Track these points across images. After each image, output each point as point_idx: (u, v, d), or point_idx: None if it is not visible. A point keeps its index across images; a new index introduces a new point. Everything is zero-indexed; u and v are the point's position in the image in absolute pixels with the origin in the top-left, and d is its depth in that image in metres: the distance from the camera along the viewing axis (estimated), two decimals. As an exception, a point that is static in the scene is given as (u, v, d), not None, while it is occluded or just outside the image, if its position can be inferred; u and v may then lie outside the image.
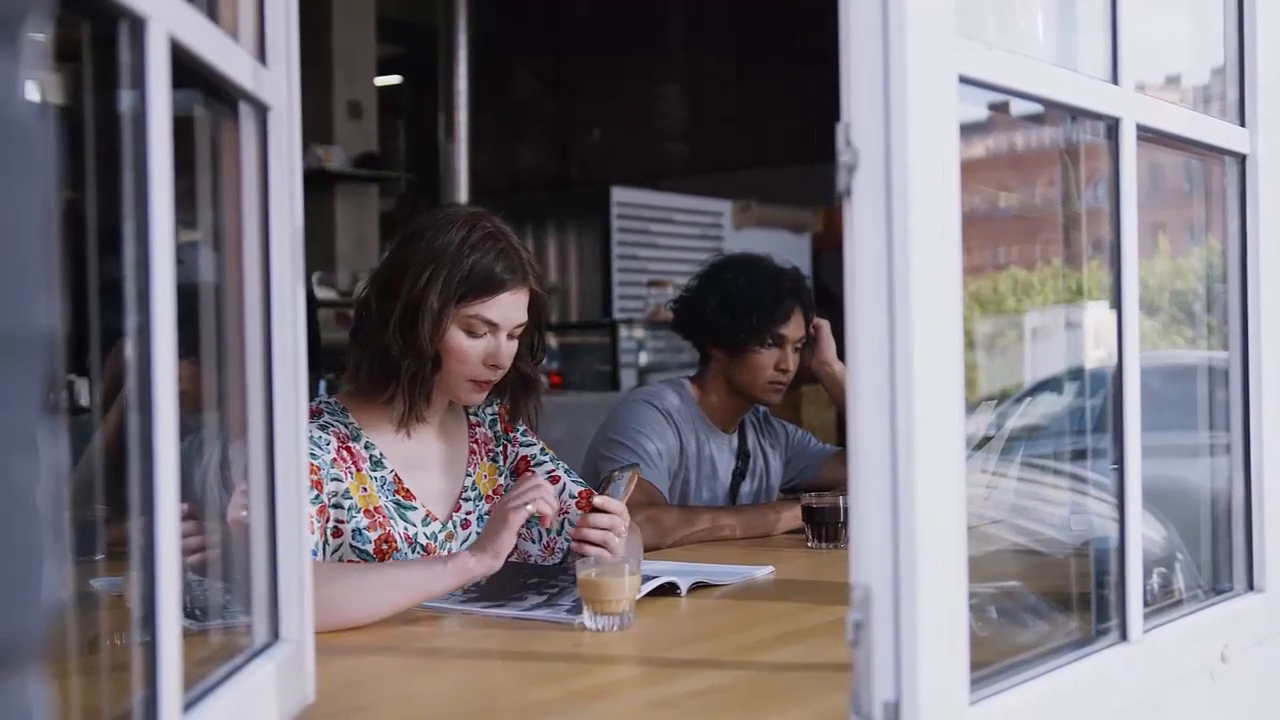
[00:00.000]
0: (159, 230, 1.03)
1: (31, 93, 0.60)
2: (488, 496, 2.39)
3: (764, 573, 2.38)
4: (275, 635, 1.40)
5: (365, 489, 2.21)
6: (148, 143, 1.03)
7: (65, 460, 0.65)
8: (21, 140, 0.59)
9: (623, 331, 7.60)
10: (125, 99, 1.04)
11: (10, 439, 0.58)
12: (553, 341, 7.78)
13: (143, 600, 1.03)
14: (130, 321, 1.03)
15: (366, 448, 2.25)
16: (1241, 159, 1.84)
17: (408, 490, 2.27)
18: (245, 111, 1.36)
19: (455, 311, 2.20)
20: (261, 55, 1.37)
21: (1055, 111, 1.62)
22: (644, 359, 7.63)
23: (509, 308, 2.23)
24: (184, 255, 1.13)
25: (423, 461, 2.32)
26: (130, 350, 1.03)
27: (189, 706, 1.12)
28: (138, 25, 1.01)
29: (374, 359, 2.22)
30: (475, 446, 2.41)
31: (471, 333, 2.21)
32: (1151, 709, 1.60)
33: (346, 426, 2.24)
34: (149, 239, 1.02)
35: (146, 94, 1.02)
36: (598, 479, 2.95)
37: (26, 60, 0.59)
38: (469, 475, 2.38)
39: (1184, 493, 2.02)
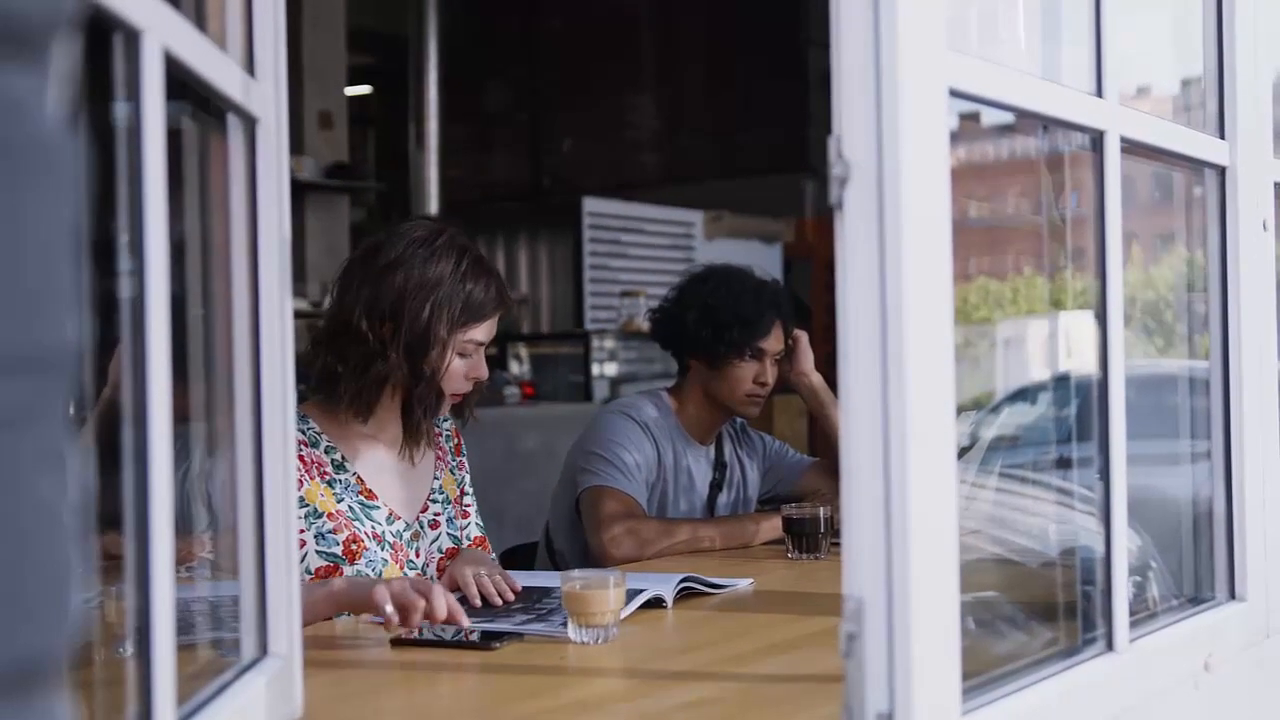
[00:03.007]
0: (153, 241, 1.02)
1: (58, 110, 0.60)
2: (454, 501, 2.47)
3: (745, 584, 2.38)
4: (264, 650, 1.39)
5: (323, 494, 2.26)
6: (142, 155, 1.02)
7: (91, 476, 0.65)
8: (50, 157, 0.58)
9: (595, 342, 7.58)
10: (118, 110, 1.03)
11: (38, 455, 0.58)
12: (524, 352, 7.76)
13: (137, 615, 1.03)
14: (125, 333, 1.02)
15: (327, 452, 2.31)
16: (1221, 170, 1.86)
17: (370, 490, 2.33)
18: (233, 123, 1.35)
19: (456, 339, 2.30)
20: (250, 67, 1.37)
21: (1027, 122, 1.63)
22: (616, 369, 7.62)
23: (493, 326, 2.36)
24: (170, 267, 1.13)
25: (389, 465, 2.38)
26: (124, 362, 1.03)
27: (181, 723, 1.11)
28: (132, 37, 1.01)
29: (376, 384, 2.29)
30: (440, 453, 2.49)
31: (462, 354, 2.32)
32: (1137, 718, 1.60)
33: (304, 433, 2.27)
34: (144, 250, 1.02)
35: (141, 105, 1.02)
36: (575, 491, 2.95)
37: (53, 77, 0.59)
38: (436, 479, 2.46)
39: (1158, 502, 2.03)
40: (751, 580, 2.40)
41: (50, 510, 0.59)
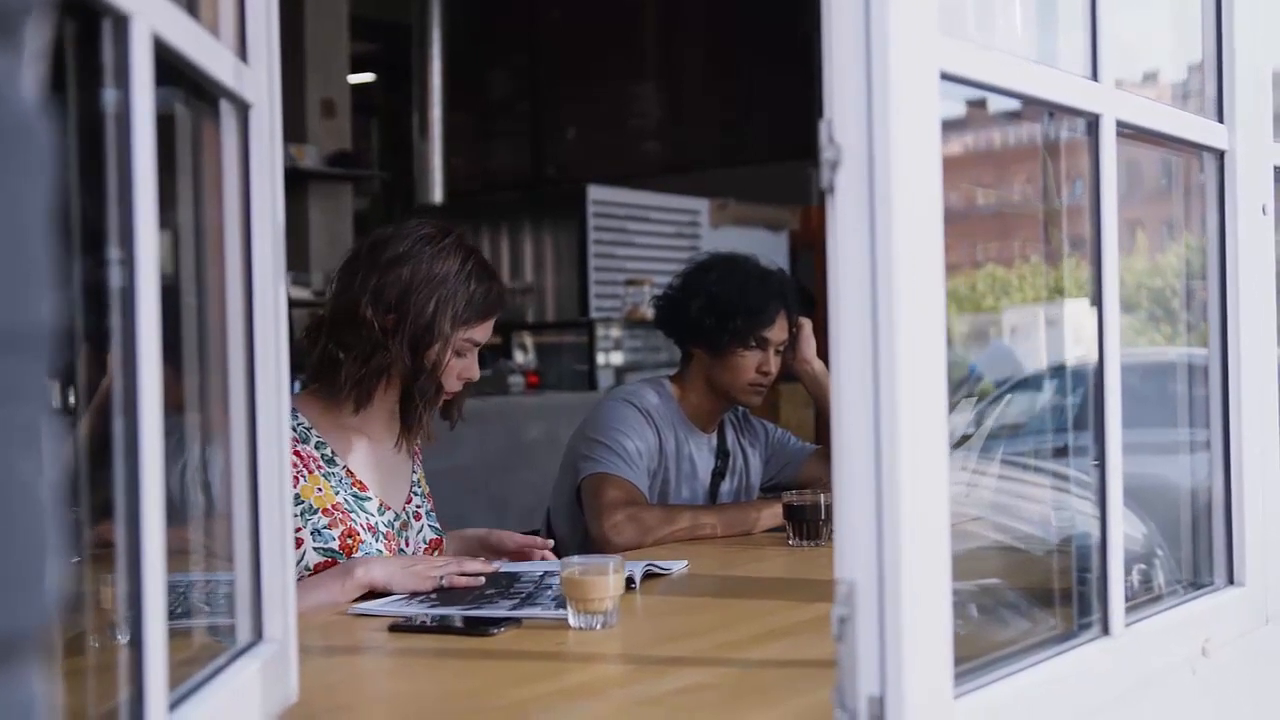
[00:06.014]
0: (143, 230, 1.02)
1: (32, 91, 0.60)
2: (427, 496, 2.52)
3: (679, 567, 2.40)
4: (259, 635, 1.39)
5: (320, 489, 2.29)
6: (131, 141, 1.02)
7: (68, 455, 0.65)
8: (24, 138, 0.59)
9: (600, 331, 7.58)
10: (108, 96, 1.03)
11: (16, 433, 0.58)
12: (529, 341, 7.77)
13: (129, 601, 1.03)
14: (114, 322, 1.02)
15: (317, 447, 2.33)
16: (1220, 155, 1.85)
17: (361, 482, 2.35)
18: (226, 109, 1.35)
19: (457, 336, 2.32)
20: (243, 53, 1.37)
21: (1033, 108, 1.63)
22: (621, 358, 7.62)
23: (490, 329, 2.40)
24: (162, 255, 1.13)
25: (374, 458, 2.40)
26: (112, 351, 1.03)
27: (174, 706, 1.11)
28: (121, 22, 1.01)
29: (375, 375, 2.31)
30: (417, 450, 2.52)
31: (459, 353, 2.35)
32: (1134, 702, 1.61)
33: (295, 429, 2.28)
34: (133, 239, 1.02)
35: (130, 92, 1.02)
36: (576, 478, 2.95)
37: (27, 59, 0.59)
38: (415, 472, 2.50)
39: (1163, 489, 2.03)
40: (686, 562, 2.42)
41: (27, 488, 0.59)
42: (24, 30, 0.59)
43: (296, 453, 2.26)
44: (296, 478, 2.24)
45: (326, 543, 2.24)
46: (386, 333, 2.28)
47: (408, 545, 2.40)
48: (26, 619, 0.59)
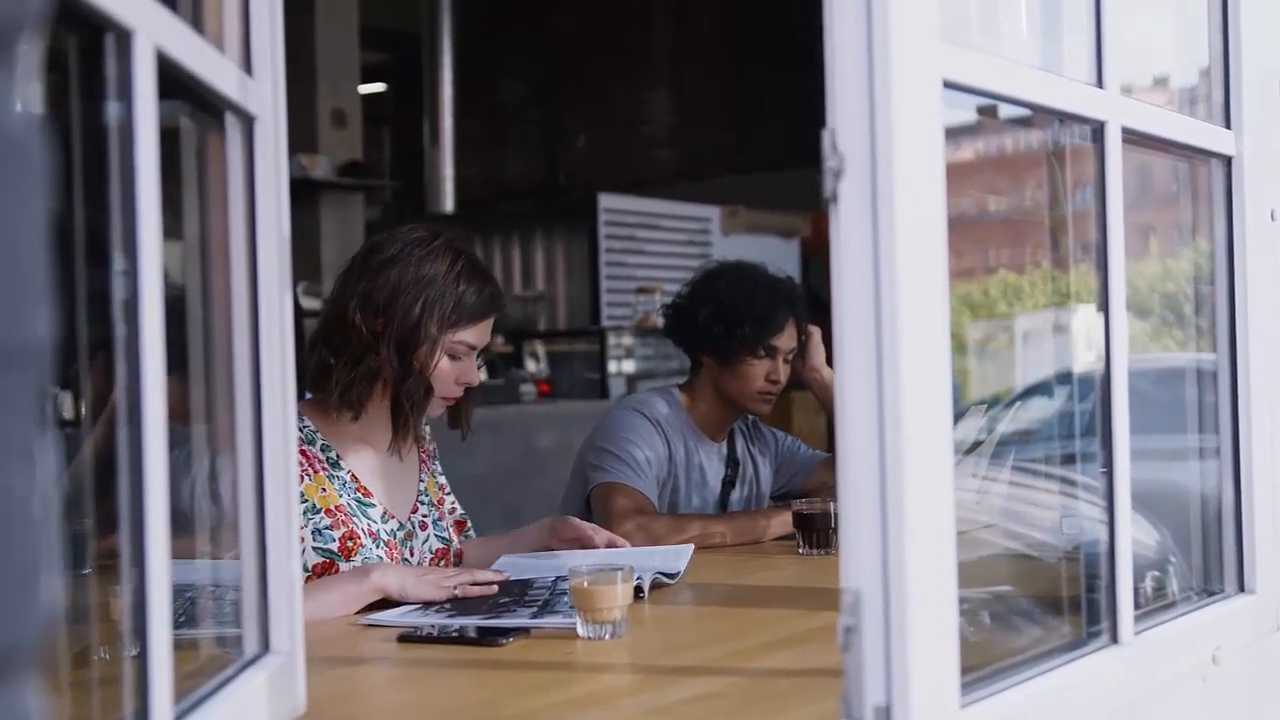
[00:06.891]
0: (146, 242, 1.03)
1: (27, 105, 0.60)
2: (436, 504, 2.51)
3: (685, 556, 2.43)
4: (266, 646, 1.39)
5: (324, 490, 2.29)
6: (135, 154, 1.02)
7: (60, 471, 0.65)
8: (18, 153, 0.59)
9: (611, 339, 7.58)
10: (111, 110, 1.03)
11: (9, 449, 0.59)
12: (540, 349, 7.77)
13: (133, 612, 1.03)
14: (119, 333, 1.02)
15: (323, 450, 2.33)
16: (1227, 161, 1.85)
17: (366, 489, 2.35)
18: (231, 122, 1.36)
19: (446, 338, 2.31)
20: (247, 66, 1.37)
21: (1043, 115, 1.63)
22: (633, 366, 7.62)
23: (487, 331, 2.39)
24: (169, 267, 1.13)
25: (379, 466, 2.40)
26: (118, 363, 1.03)
27: (180, 718, 1.11)
28: (124, 37, 1.01)
29: (365, 379, 2.31)
30: (424, 457, 2.52)
31: (453, 356, 2.35)
32: (1144, 711, 1.60)
33: (301, 431, 2.28)
34: (137, 251, 1.02)
35: (133, 105, 1.02)
36: (586, 487, 2.95)
37: (22, 73, 0.59)
38: (421, 481, 2.49)
39: (1175, 496, 2.02)
40: (692, 547, 2.45)
41: (20, 503, 0.59)
42: (18, 47, 0.59)
43: (302, 452, 2.27)
44: (301, 476, 2.24)
45: (326, 543, 2.24)
46: (376, 336, 2.29)
47: (412, 555, 2.39)
48: (22, 633, 0.59)
